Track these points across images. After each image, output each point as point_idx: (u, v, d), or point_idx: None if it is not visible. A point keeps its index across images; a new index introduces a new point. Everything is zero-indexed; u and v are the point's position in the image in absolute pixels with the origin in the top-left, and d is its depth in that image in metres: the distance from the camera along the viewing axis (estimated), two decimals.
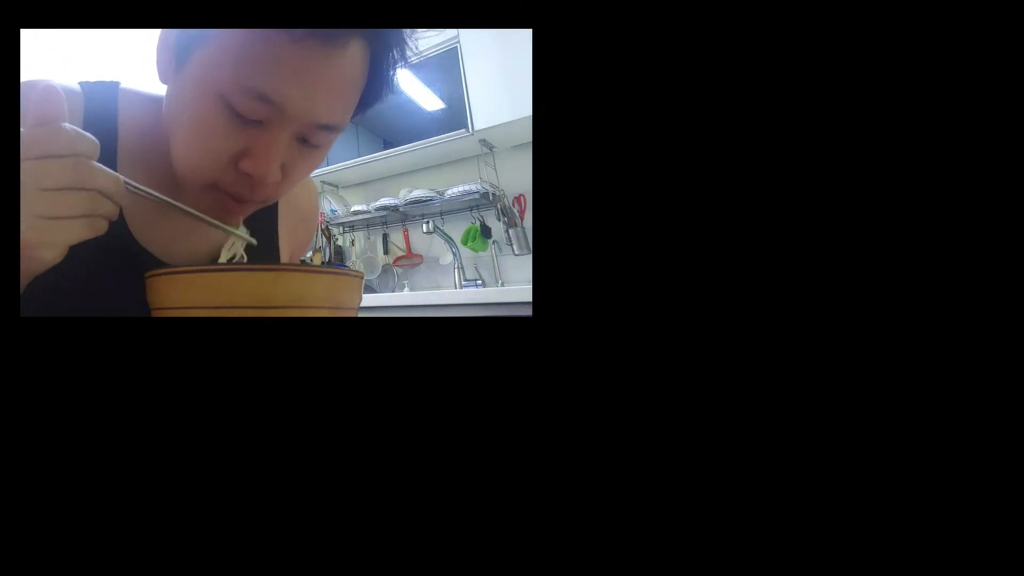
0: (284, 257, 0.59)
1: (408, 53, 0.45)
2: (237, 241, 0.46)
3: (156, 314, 0.39)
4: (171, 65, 0.42)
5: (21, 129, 0.31)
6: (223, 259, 0.46)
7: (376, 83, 0.45)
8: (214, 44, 0.39)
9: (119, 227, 0.45)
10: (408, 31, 0.44)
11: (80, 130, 0.32)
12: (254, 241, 0.46)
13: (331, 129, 0.42)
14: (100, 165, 0.33)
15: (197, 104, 0.39)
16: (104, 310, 0.44)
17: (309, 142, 0.43)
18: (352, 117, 0.46)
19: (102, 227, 0.34)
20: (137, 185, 0.36)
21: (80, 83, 0.49)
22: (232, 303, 0.36)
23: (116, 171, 0.41)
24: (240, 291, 0.36)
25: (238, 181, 0.42)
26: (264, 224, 0.56)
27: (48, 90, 0.31)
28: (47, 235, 0.32)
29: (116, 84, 0.50)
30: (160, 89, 0.48)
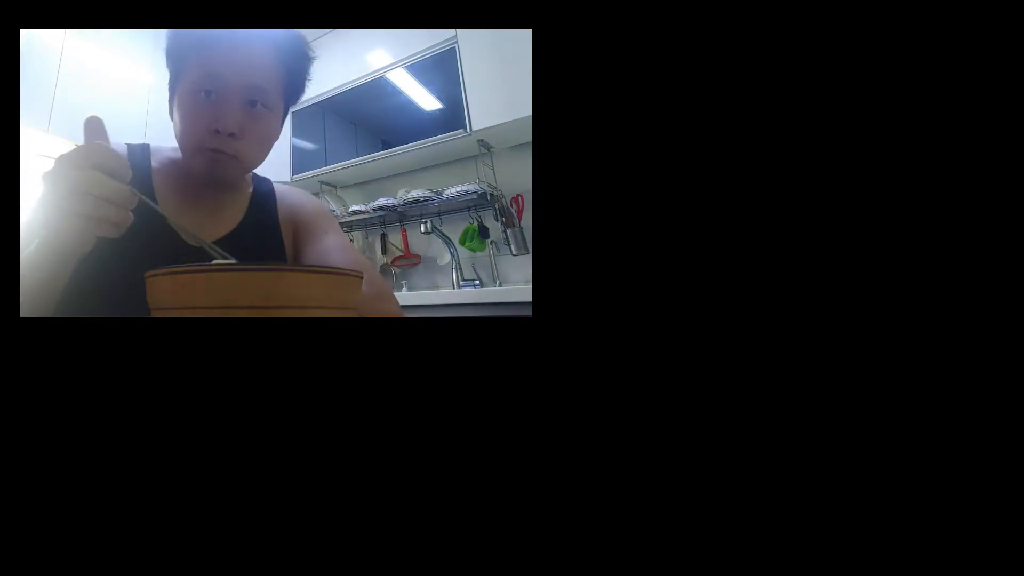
0: (288, 237, 0.77)
1: (310, 53, 0.68)
2: None
3: (156, 314, 0.39)
4: (170, 100, 0.65)
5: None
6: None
7: (293, 72, 0.66)
8: (187, 68, 0.61)
9: (157, 216, 0.62)
10: (305, 43, 0.67)
11: (104, 147, 0.42)
12: (231, 259, 0.53)
13: (265, 91, 0.62)
14: (111, 180, 0.41)
15: (185, 101, 0.61)
16: (141, 269, 0.55)
17: (255, 104, 0.62)
18: (291, 99, 0.68)
19: (109, 229, 0.42)
20: (144, 198, 0.46)
21: (126, 144, 0.71)
22: (232, 303, 0.36)
23: (156, 202, 0.65)
24: (240, 291, 0.36)
25: (213, 139, 0.62)
26: (264, 213, 0.76)
27: (91, 121, 0.44)
28: (67, 225, 0.41)
29: (148, 145, 0.73)
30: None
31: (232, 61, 0.60)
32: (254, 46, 0.62)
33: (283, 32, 0.65)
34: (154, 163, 0.71)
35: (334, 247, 0.75)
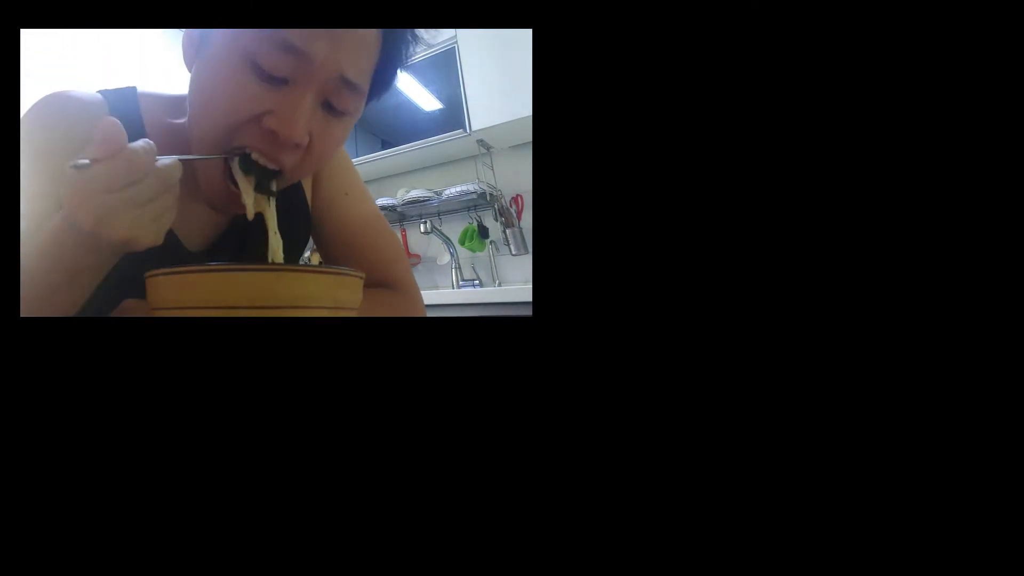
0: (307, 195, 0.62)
1: (420, 35, 0.47)
2: (260, 200, 0.45)
3: (156, 314, 0.39)
4: (195, 48, 0.44)
5: (88, 160, 0.32)
6: (250, 213, 0.45)
7: (389, 58, 0.45)
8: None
9: None
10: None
11: (145, 144, 0.33)
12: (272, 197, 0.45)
13: (353, 88, 0.43)
14: (163, 162, 0.34)
15: (224, 68, 0.41)
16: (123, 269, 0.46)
17: (334, 107, 0.43)
18: (368, 99, 0.47)
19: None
20: (184, 157, 0.37)
21: (100, 91, 0.51)
22: (232, 303, 0.36)
23: None
24: (240, 291, 0.36)
25: (262, 140, 0.42)
26: (293, 196, 0.58)
27: (110, 124, 0.32)
28: (154, 232, 0.35)
29: (134, 89, 0.52)
30: (177, 89, 0.51)
31: (333, 37, 0.39)
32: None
33: None
34: (147, 126, 0.51)
35: (359, 219, 0.62)
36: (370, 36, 0.42)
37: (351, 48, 0.41)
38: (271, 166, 0.43)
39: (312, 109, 0.42)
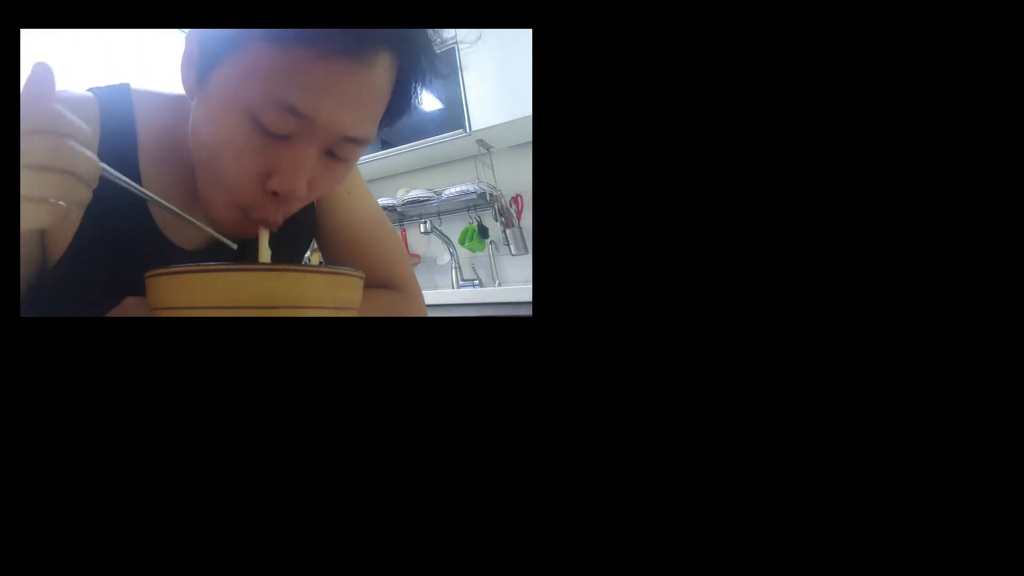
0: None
1: (439, 69, 0.46)
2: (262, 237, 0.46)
3: (156, 314, 0.39)
4: (195, 81, 0.43)
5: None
6: (262, 258, 0.46)
7: (403, 97, 0.45)
8: (241, 59, 0.39)
9: (146, 220, 0.47)
10: (436, 47, 0.45)
11: (65, 112, 0.30)
12: (233, 247, 0.45)
13: (357, 142, 0.43)
14: (82, 148, 0.31)
15: (224, 124, 0.40)
16: (127, 292, 0.44)
17: (336, 155, 0.43)
18: (378, 131, 0.46)
19: (72, 215, 0.33)
20: (114, 172, 0.35)
21: (90, 89, 0.49)
22: (232, 303, 0.36)
23: (139, 172, 0.47)
24: (240, 291, 0.36)
25: (264, 202, 0.43)
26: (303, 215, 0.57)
27: (38, 69, 0.29)
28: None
29: (127, 86, 0.51)
30: (174, 88, 0.49)
31: (336, 94, 0.38)
32: (361, 72, 0.39)
33: (410, 37, 0.41)
34: (139, 125, 0.48)
35: (361, 219, 0.61)
36: (381, 86, 0.42)
37: (356, 109, 0.40)
38: (271, 228, 0.44)
39: (315, 162, 0.42)
